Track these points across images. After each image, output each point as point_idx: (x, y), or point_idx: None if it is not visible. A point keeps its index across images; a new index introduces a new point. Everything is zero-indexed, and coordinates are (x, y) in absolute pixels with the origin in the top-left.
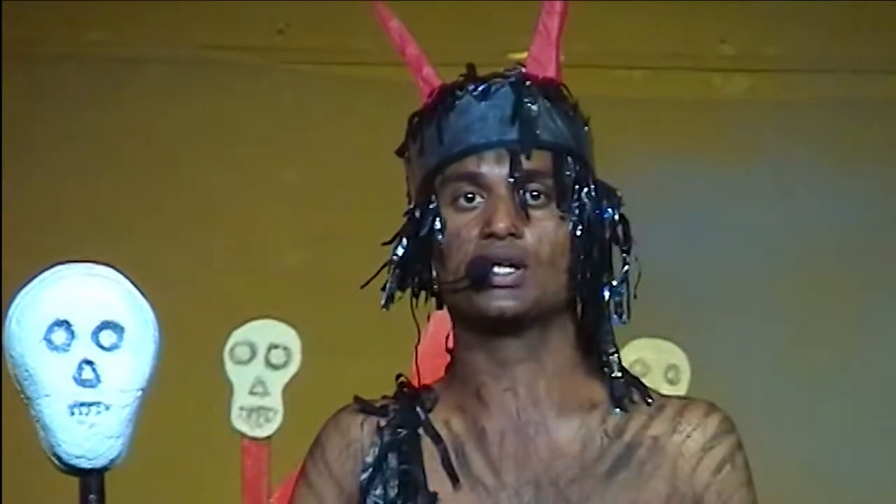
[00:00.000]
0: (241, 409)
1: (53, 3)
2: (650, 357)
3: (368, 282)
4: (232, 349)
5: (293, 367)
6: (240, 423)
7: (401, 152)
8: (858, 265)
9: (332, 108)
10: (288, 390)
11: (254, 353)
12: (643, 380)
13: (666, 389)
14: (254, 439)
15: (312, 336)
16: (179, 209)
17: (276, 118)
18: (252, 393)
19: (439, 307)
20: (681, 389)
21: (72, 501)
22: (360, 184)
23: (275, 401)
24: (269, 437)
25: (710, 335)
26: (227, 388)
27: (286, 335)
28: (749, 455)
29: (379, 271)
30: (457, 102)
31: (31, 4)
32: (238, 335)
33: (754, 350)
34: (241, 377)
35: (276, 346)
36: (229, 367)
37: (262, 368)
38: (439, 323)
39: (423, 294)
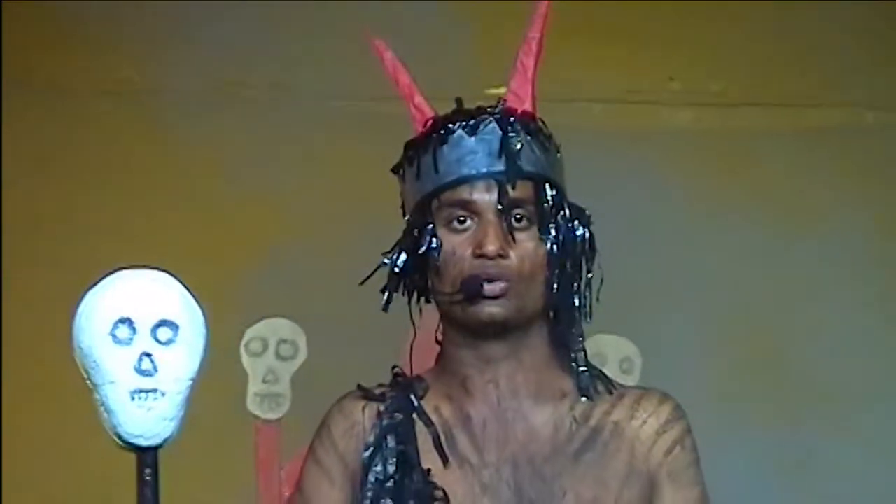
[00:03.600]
0: (255, 395)
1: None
2: (608, 350)
3: (365, 280)
4: (247, 343)
5: (300, 358)
6: (254, 407)
7: (395, 170)
8: (785, 271)
9: (334, 137)
10: (295, 379)
11: (266, 347)
12: (602, 370)
13: (620, 378)
14: (266, 421)
15: (316, 332)
16: (204, 228)
17: (289, 146)
18: (264, 381)
19: (428, 302)
20: (633, 377)
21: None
22: (356, 203)
23: (284, 388)
24: (279, 420)
25: (657, 332)
26: (243, 376)
27: (293, 331)
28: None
29: (374, 272)
30: (449, 136)
31: (73, 42)
32: (252, 331)
33: (693, 345)
34: (255, 367)
35: (284, 341)
36: (245, 358)
37: (273, 360)
38: (427, 320)
39: (417, 299)
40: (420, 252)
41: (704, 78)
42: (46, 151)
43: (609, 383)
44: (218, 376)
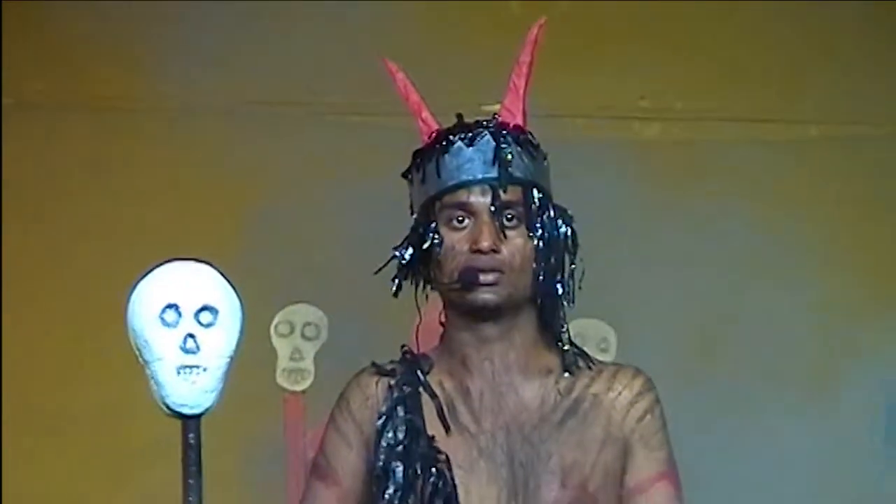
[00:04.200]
0: (283, 370)
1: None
2: (587, 332)
3: (379, 270)
4: (276, 326)
5: (321, 339)
6: (282, 380)
7: (405, 176)
8: (739, 266)
9: (352, 149)
10: (317, 356)
11: (292, 329)
12: (583, 349)
13: (599, 356)
14: (293, 393)
15: (336, 316)
16: (239, 228)
17: (314, 157)
18: (291, 358)
19: (433, 290)
20: (610, 355)
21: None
22: (370, 205)
23: (308, 364)
24: (303, 392)
25: (630, 316)
26: (273, 355)
27: (316, 315)
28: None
29: (386, 264)
30: (450, 147)
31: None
32: (281, 315)
33: (660, 327)
34: (283, 347)
35: (308, 324)
36: (274, 339)
37: (299, 340)
38: (432, 306)
39: (422, 286)
40: (424, 247)
41: (671, 97)
42: (94, 162)
43: (589, 360)
44: (251, 354)
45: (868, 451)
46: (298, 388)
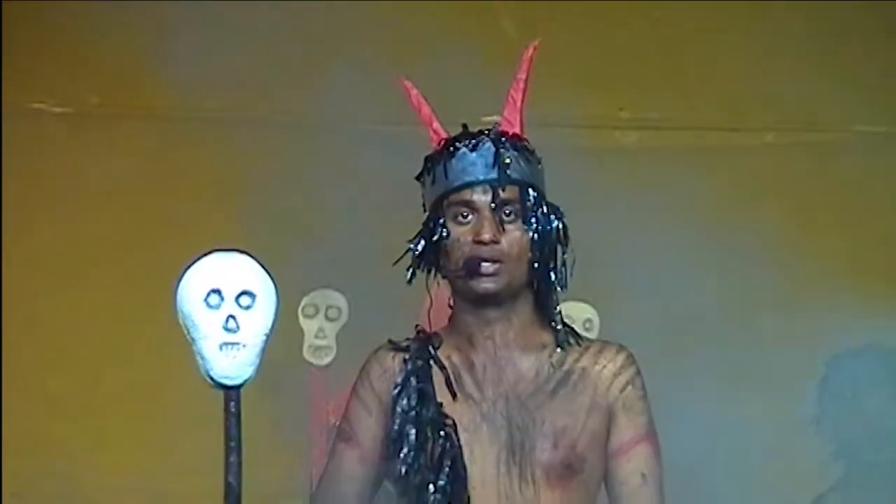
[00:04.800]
0: (309, 347)
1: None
2: (574, 313)
3: (397, 261)
4: (303, 308)
5: (343, 319)
6: (308, 356)
7: (418, 178)
8: (699, 256)
9: (370, 154)
10: (339, 335)
11: (317, 311)
12: (573, 327)
13: (584, 334)
14: (317, 367)
15: (356, 299)
16: (274, 224)
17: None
18: (316, 337)
19: (444, 278)
20: (593, 333)
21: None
22: (388, 203)
23: (331, 342)
24: (327, 366)
25: (611, 300)
26: (300, 333)
27: (338, 299)
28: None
29: (403, 255)
30: (457, 152)
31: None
32: (307, 299)
33: (635, 309)
34: (309, 326)
35: (331, 307)
36: (301, 319)
37: (323, 321)
38: (441, 292)
39: (433, 273)
40: (434, 239)
41: (646, 108)
42: (147, 166)
43: (578, 338)
44: (281, 333)
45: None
46: (322, 362)
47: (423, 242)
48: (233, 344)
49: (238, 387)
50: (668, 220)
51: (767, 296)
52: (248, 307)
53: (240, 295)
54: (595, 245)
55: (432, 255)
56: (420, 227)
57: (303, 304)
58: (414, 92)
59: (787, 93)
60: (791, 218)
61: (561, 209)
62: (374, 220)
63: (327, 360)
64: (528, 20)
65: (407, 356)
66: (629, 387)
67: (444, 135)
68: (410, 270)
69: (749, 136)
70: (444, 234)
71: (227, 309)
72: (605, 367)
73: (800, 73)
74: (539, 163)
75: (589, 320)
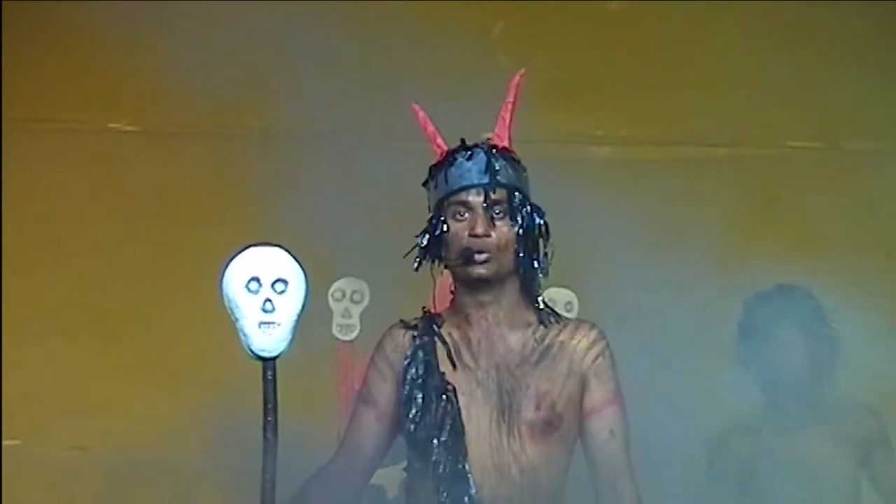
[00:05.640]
0: (338, 325)
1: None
2: (556, 297)
3: (407, 253)
4: (332, 293)
5: (365, 302)
6: (337, 332)
7: (424, 184)
8: (656, 254)
9: (384, 166)
10: (363, 315)
11: (344, 295)
12: (554, 309)
13: (565, 314)
14: (344, 342)
15: (376, 286)
16: (305, 225)
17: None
18: (343, 316)
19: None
20: (573, 314)
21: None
22: (401, 206)
23: (355, 321)
24: (352, 341)
25: (587, 286)
26: (329, 313)
27: (361, 285)
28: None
29: (412, 249)
30: (455, 161)
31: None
32: (335, 285)
33: (605, 294)
34: (337, 308)
35: (356, 291)
36: (331, 302)
37: (349, 303)
38: (444, 279)
39: (436, 263)
40: (437, 234)
41: (617, 127)
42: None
43: (558, 317)
44: (314, 314)
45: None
46: (348, 338)
47: (427, 237)
48: (269, 323)
49: (274, 359)
50: (635, 220)
51: (706, 279)
52: (282, 292)
53: (275, 282)
54: (575, 240)
55: (435, 247)
56: (426, 224)
57: (332, 289)
58: (421, 114)
59: (737, 111)
60: (736, 220)
61: (542, 209)
62: (391, 219)
63: (352, 336)
64: (520, 53)
65: (415, 333)
66: (600, 358)
67: (445, 148)
68: (418, 261)
69: (703, 150)
70: (445, 229)
71: (264, 293)
72: (580, 341)
73: (747, 91)
74: (524, 171)
75: (569, 303)
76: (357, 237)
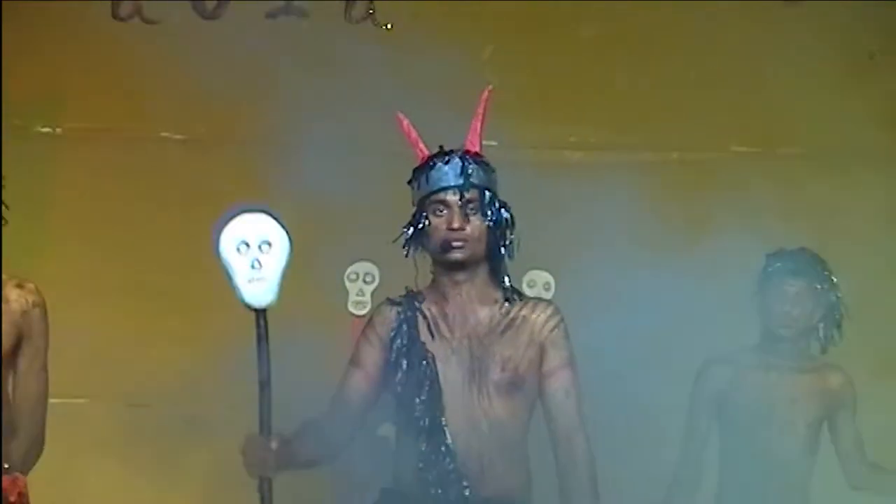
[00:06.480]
0: (352, 302)
1: None
2: (537, 279)
3: (396, 240)
4: (348, 275)
5: (375, 283)
6: (351, 308)
7: (409, 183)
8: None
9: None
10: (374, 293)
11: (358, 277)
12: (532, 290)
13: (544, 294)
14: (358, 316)
15: (385, 269)
16: (321, 223)
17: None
18: (357, 295)
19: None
20: (551, 293)
21: None
22: (396, 202)
23: (367, 298)
24: (364, 315)
25: (564, 270)
26: (345, 293)
27: (372, 268)
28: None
29: (398, 237)
30: (435, 165)
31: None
32: (350, 268)
33: (579, 278)
34: (351, 288)
35: (368, 273)
36: (346, 283)
37: (362, 284)
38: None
39: (419, 250)
40: (420, 227)
41: (587, 133)
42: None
43: (521, 295)
44: (332, 293)
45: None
46: (361, 313)
47: (411, 229)
48: (258, 279)
49: (264, 308)
50: (604, 217)
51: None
52: (267, 252)
53: (261, 244)
54: (553, 231)
55: (419, 237)
56: (410, 217)
57: (347, 272)
58: (405, 122)
59: (686, 120)
60: (688, 217)
61: (508, 205)
62: (397, 214)
63: (365, 311)
64: (506, 72)
65: (400, 309)
66: (556, 329)
67: (426, 153)
68: (406, 248)
69: (659, 154)
70: (427, 223)
71: (252, 254)
72: (539, 315)
73: (697, 102)
74: (493, 172)
75: (548, 283)
76: (370, 228)
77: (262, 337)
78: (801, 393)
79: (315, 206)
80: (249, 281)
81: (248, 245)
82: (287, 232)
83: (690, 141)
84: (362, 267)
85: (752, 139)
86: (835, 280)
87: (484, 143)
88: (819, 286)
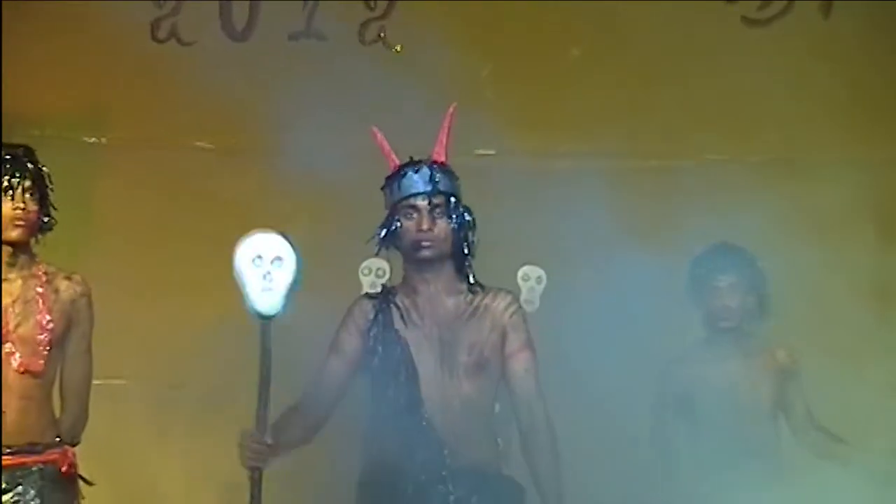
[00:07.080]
0: (365, 294)
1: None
2: (530, 272)
3: (368, 241)
4: (362, 270)
5: (386, 277)
6: None
7: (382, 189)
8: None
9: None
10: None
11: (370, 271)
12: (526, 283)
13: (537, 287)
14: None
15: (395, 265)
16: (332, 223)
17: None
18: (370, 288)
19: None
20: (542, 286)
21: None
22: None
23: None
24: None
25: (553, 264)
26: (359, 285)
27: (384, 264)
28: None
29: (372, 237)
30: (406, 174)
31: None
32: (364, 264)
33: (564, 273)
34: (365, 281)
35: (379, 268)
36: (361, 277)
37: (374, 278)
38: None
39: (390, 249)
40: (392, 229)
41: (575, 143)
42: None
43: (482, 287)
44: (349, 286)
45: None
46: None
47: (384, 231)
48: (269, 289)
49: (272, 317)
50: (587, 216)
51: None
52: (278, 267)
53: (273, 259)
54: (540, 230)
55: (392, 238)
56: (383, 220)
57: (361, 267)
58: (379, 135)
59: (664, 130)
60: (665, 212)
61: (471, 209)
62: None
63: None
64: (503, 88)
65: (376, 301)
66: (515, 315)
67: (397, 162)
68: (378, 248)
69: (640, 161)
70: (399, 225)
71: (264, 268)
72: (499, 303)
73: (672, 112)
74: (458, 180)
75: (540, 276)
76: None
77: (267, 342)
78: (758, 375)
79: (332, 207)
80: (261, 291)
81: (262, 259)
82: (297, 252)
83: (667, 150)
84: (375, 262)
85: (723, 148)
86: (757, 262)
87: (482, 151)
88: (747, 271)
